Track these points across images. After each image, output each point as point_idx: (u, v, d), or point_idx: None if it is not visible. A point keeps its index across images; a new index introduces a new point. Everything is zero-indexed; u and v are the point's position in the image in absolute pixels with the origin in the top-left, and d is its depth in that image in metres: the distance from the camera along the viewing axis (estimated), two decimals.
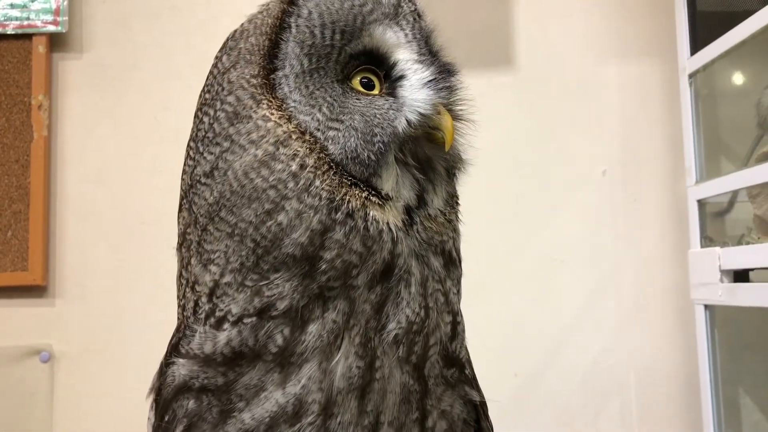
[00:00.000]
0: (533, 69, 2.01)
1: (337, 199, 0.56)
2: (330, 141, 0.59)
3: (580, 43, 2.03)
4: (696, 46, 1.84)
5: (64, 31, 1.94)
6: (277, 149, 0.57)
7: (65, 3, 1.94)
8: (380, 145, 0.60)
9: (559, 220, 1.97)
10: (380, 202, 0.59)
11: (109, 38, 1.99)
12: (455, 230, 0.67)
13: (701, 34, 1.85)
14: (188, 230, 0.62)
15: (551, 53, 2.02)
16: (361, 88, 0.63)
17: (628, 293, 1.96)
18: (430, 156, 0.65)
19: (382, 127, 0.60)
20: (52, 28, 1.94)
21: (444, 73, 0.65)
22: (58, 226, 1.91)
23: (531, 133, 1.99)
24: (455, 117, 0.66)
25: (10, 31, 1.93)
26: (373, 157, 0.59)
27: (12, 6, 1.94)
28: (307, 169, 0.56)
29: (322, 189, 0.56)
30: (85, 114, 1.97)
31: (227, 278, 0.58)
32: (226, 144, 0.59)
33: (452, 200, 0.68)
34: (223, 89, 0.61)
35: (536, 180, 1.98)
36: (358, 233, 0.56)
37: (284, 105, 0.59)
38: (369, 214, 0.57)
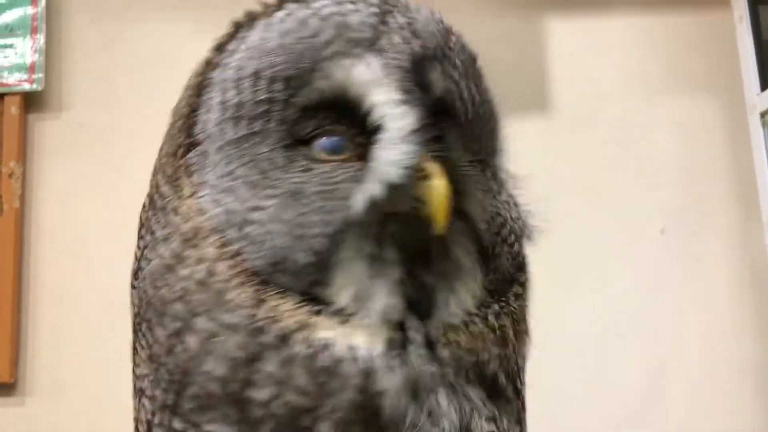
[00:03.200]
0: (572, 111, 1.80)
1: (262, 316, 0.44)
2: (247, 240, 0.46)
3: (624, 80, 1.81)
4: (765, 79, 1.63)
5: (39, 89, 1.74)
6: (183, 251, 0.47)
7: (41, 58, 1.75)
8: (321, 241, 0.45)
9: (611, 287, 1.73)
10: (338, 319, 0.45)
11: (91, 95, 1.80)
12: (506, 342, 0.48)
13: None
14: (132, 340, 0.51)
15: (591, 93, 1.80)
16: (322, 155, 0.48)
17: (698, 372, 1.69)
18: (431, 238, 0.47)
19: (327, 212, 0.46)
20: (26, 86, 1.74)
21: (441, 114, 0.48)
22: (31, 312, 1.69)
23: (573, 186, 1.75)
24: (459, 179, 0.48)
25: None
26: (311, 258, 0.45)
27: None
28: (218, 276, 0.45)
29: (240, 304, 0.44)
30: (62, 181, 1.76)
31: (158, 418, 0.47)
32: (148, 238, 0.50)
33: (502, 294, 0.50)
34: (155, 171, 0.53)
35: (582, 241, 1.73)
36: (300, 364, 0.43)
37: (199, 191, 0.48)
38: (314, 336, 0.44)
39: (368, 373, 0.43)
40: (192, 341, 0.45)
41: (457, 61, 0.51)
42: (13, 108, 1.73)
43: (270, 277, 0.45)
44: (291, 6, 0.50)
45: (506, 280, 0.51)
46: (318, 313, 0.45)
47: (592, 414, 1.66)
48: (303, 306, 0.45)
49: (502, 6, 1.82)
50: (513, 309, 0.50)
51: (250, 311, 0.45)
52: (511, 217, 0.53)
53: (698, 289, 1.72)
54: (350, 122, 0.47)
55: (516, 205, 0.54)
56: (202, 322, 0.45)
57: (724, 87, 1.75)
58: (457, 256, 0.48)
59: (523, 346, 0.51)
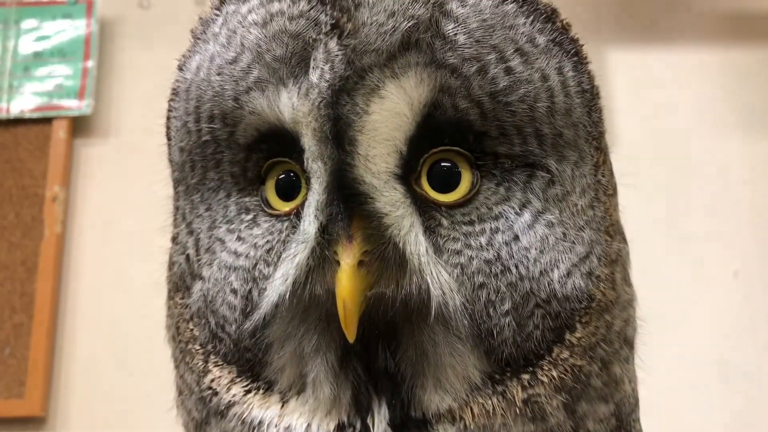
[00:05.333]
0: (636, 147, 1.71)
1: (205, 385, 0.45)
2: (193, 307, 0.46)
3: (692, 115, 1.73)
4: None
5: (88, 113, 1.71)
6: (167, 299, 0.51)
7: (92, 83, 1.72)
8: (250, 320, 0.43)
9: (682, 334, 1.60)
10: (276, 399, 0.43)
11: (139, 122, 1.76)
12: (544, 415, 0.41)
13: None
14: None
15: (657, 129, 1.72)
16: (275, 198, 0.45)
17: None
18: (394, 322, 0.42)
19: (254, 290, 0.43)
20: (75, 110, 1.71)
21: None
22: (66, 344, 1.62)
23: (638, 225, 1.64)
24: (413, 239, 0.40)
25: (27, 114, 1.71)
26: (244, 337, 0.43)
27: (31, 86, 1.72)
28: (182, 336, 0.47)
29: (191, 368, 0.46)
30: (107, 207, 1.71)
31: None
32: None
33: (532, 362, 0.42)
34: None
35: (650, 285, 1.57)
36: None
37: (174, 237, 0.50)
38: (247, 414, 0.43)
39: None
40: (177, 397, 0.48)
41: (460, 36, 0.41)
42: (60, 132, 1.70)
43: (213, 347, 0.45)
44: (227, 10, 0.45)
45: (535, 345, 0.42)
46: (258, 390, 0.43)
47: None
48: (242, 381, 0.44)
49: None
50: (555, 376, 0.42)
51: (199, 378, 0.45)
52: (550, 262, 0.43)
53: None
54: (300, 152, 0.41)
55: (581, 230, 0.44)
56: (176, 376, 0.48)
57: None
58: (422, 341, 0.41)
59: (600, 404, 0.44)
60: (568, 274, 0.43)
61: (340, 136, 0.39)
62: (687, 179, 1.69)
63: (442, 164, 0.42)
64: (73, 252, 1.68)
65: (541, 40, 0.43)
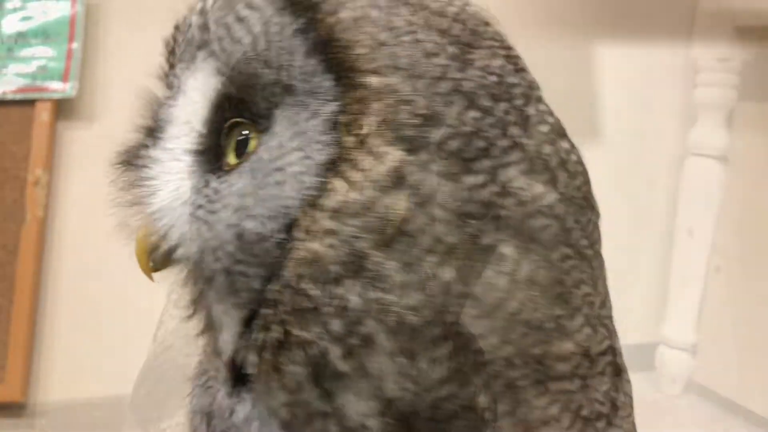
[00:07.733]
0: (624, 142, 1.73)
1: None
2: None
3: (680, 113, 1.74)
4: None
5: (73, 95, 1.68)
6: None
7: (76, 65, 1.69)
8: None
9: (663, 329, 1.60)
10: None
11: (125, 106, 1.71)
12: (295, 385, 0.36)
13: None
14: None
15: (645, 123, 1.74)
16: None
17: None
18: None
19: None
20: (59, 93, 1.68)
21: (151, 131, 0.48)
22: (47, 329, 1.59)
23: (629, 221, 1.65)
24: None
25: (9, 96, 1.67)
26: None
27: (14, 67, 1.69)
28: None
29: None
30: (90, 192, 1.64)
31: None
32: None
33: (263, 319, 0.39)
34: None
35: (632, 280, 1.62)
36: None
37: None
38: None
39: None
40: None
41: (209, 20, 0.44)
42: (44, 114, 1.67)
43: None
44: None
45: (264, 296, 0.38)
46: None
47: None
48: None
49: (551, 32, 1.77)
50: (275, 339, 0.37)
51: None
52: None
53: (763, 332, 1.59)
54: None
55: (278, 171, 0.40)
56: None
57: None
58: (189, 286, 0.44)
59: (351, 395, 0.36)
60: (239, 221, 0.40)
61: (158, 125, 0.47)
62: (669, 174, 1.70)
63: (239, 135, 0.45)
64: (54, 236, 1.64)
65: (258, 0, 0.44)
